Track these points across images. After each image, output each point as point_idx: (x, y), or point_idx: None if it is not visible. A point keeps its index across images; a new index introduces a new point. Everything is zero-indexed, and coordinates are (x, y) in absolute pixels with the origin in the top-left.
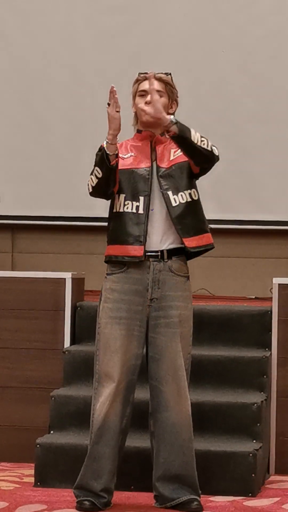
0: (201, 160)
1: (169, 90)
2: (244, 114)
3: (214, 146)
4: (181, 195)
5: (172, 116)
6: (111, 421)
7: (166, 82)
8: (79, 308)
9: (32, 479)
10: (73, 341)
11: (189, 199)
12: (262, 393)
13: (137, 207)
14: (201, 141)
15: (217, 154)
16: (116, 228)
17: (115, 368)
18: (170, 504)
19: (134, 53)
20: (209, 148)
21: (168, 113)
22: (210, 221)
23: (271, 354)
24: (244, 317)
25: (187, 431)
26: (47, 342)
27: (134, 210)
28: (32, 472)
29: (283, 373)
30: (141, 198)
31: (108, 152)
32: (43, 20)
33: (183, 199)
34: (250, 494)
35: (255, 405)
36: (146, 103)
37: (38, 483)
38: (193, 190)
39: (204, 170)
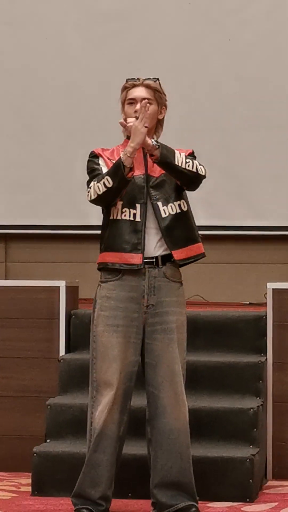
0: (185, 182)
1: (158, 96)
2: (237, 119)
3: (201, 165)
4: (171, 206)
5: (154, 141)
6: (109, 428)
7: (154, 89)
8: (73, 316)
9: (29, 488)
10: (68, 349)
11: (178, 210)
12: (258, 398)
13: (134, 214)
14: (186, 163)
15: (203, 174)
16: (112, 235)
17: (114, 376)
18: (167, 511)
19: (126, 59)
20: (194, 170)
21: (158, 119)
22: (204, 227)
23: (266, 359)
24: (239, 323)
25: (184, 437)
26: (42, 350)
27: (131, 218)
28: (29, 481)
29: (279, 377)
30: (138, 206)
31: (125, 164)
32: (35, 28)
33: (172, 211)
34: (247, 500)
35: (252, 410)
36: (135, 111)
37: (36, 492)
38: (182, 201)
39: (191, 188)
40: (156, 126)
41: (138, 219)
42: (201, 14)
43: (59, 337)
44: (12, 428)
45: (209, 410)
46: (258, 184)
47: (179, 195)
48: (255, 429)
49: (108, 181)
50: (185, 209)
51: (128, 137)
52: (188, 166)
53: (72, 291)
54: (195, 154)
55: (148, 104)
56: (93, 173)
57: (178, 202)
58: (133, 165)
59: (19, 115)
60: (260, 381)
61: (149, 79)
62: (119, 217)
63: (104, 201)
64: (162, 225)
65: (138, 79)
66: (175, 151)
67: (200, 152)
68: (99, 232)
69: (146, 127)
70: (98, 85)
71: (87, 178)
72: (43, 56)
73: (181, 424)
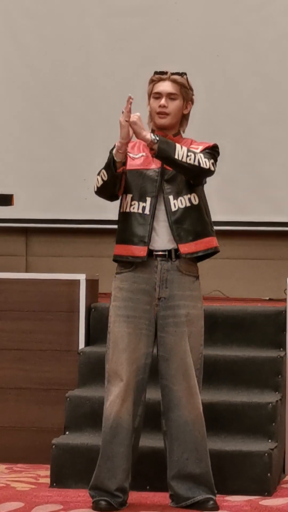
0: (187, 175)
1: (184, 91)
2: (256, 116)
3: (206, 159)
4: (181, 199)
5: (153, 136)
6: (123, 420)
7: (181, 84)
8: (93, 310)
9: (48, 480)
10: (87, 343)
11: (188, 204)
12: (277, 393)
13: (144, 207)
14: (187, 156)
15: (207, 167)
16: (123, 228)
17: (123, 366)
18: (185, 503)
19: (146, 55)
20: (195, 163)
21: (182, 114)
22: (224, 223)
23: (286, 354)
24: (258, 318)
25: (199, 429)
26: (62, 343)
27: (140, 211)
28: (48, 473)
29: None
30: (148, 199)
31: (115, 158)
32: (56, 24)
33: (182, 204)
34: (266, 494)
35: (270, 404)
36: (160, 106)
37: (54, 484)
38: (193, 194)
39: (195, 182)
40: (181, 120)
41: (147, 212)
42: (222, 11)
43: (79, 330)
44: (31, 420)
45: (228, 404)
46: (278, 179)
47: (190, 189)
48: (273, 424)
49: (104, 175)
50: (195, 202)
51: (153, 131)
52: (190, 159)
53: (92, 284)
54: (217, 149)
55: (131, 100)
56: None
57: (189, 195)
58: (125, 160)
59: (41, 109)
60: (279, 376)
61: (176, 73)
62: (128, 210)
63: (103, 194)
64: (172, 218)
65: (165, 72)
66: (177, 145)
67: (221, 147)
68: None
69: (126, 121)
70: (119, 80)
71: None
72: (65, 51)
73: (195, 416)
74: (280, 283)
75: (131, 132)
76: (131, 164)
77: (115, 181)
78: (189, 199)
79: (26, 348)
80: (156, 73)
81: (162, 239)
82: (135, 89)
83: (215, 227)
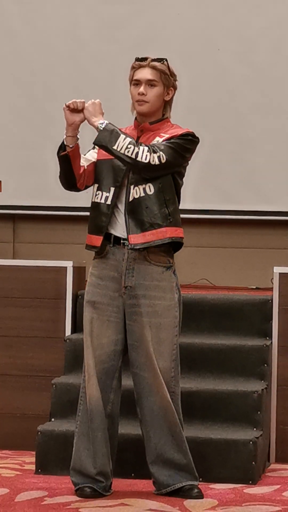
0: (128, 167)
1: (164, 78)
2: (246, 105)
3: (148, 153)
4: (136, 189)
5: (100, 123)
6: (94, 405)
7: (160, 71)
8: (80, 297)
9: (33, 467)
10: (74, 330)
11: (142, 194)
12: (262, 381)
13: (107, 197)
14: (126, 148)
15: (145, 161)
16: (89, 217)
17: (88, 350)
18: (165, 490)
19: (135, 44)
20: (132, 156)
21: (164, 100)
22: (212, 211)
23: (272, 342)
24: (245, 306)
25: (171, 416)
26: (48, 330)
27: (103, 201)
28: (33, 459)
29: (283, 361)
30: (112, 189)
31: (66, 143)
32: (46, 11)
33: (136, 194)
34: (250, 482)
35: (256, 393)
36: (138, 94)
37: (39, 470)
38: (148, 184)
39: (142, 175)
40: (164, 107)
41: (108, 202)
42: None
43: (65, 317)
44: (16, 406)
45: (213, 392)
46: (266, 169)
47: (145, 179)
48: (259, 412)
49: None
50: (150, 192)
51: (136, 118)
52: (128, 152)
53: (79, 272)
54: (190, 137)
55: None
56: None
57: (144, 185)
58: (74, 145)
59: (30, 97)
60: (265, 365)
61: (157, 59)
62: (93, 200)
63: (62, 183)
64: (127, 209)
65: (146, 59)
66: (121, 136)
67: (209, 137)
68: None
69: (68, 106)
70: (108, 69)
71: None
72: (55, 39)
73: (166, 403)
74: (266, 272)
75: (78, 117)
76: (103, 154)
77: (62, 166)
78: (144, 189)
79: (13, 335)
80: (136, 59)
81: (125, 228)
82: (123, 77)
83: (203, 216)
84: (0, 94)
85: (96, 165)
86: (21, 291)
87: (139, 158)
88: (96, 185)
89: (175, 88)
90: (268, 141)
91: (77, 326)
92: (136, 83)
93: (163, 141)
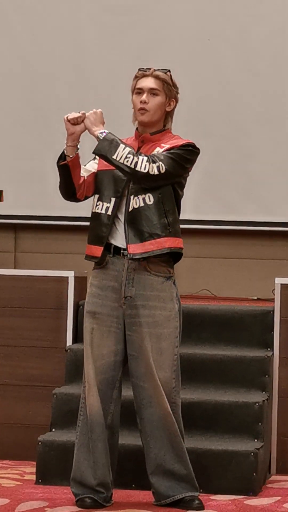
0: (127, 177)
1: (167, 88)
2: (248, 114)
3: (147, 163)
4: (136, 199)
5: (100, 133)
6: (94, 416)
7: (163, 81)
8: (81, 307)
9: (33, 477)
10: (75, 340)
11: (142, 204)
12: (264, 392)
13: (107, 208)
14: (126, 158)
15: (144, 171)
16: (90, 227)
17: (88, 361)
18: (165, 501)
19: (137, 51)
20: (131, 166)
21: (165, 111)
22: (213, 222)
23: (273, 354)
24: (246, 317)
25: (171, 426)
26: (50, 340)
27: (103, 211)
28: (33, 469)
29: (285, 373)
30: (113, 200)
31: (67, 153)
32: (48, 19)
33: (136, 204)
34: (251, 493)
35: (257, 404)
36: (140, 102)
37: (40, 481)
38: (148, 194)
39: (143, 185)
40: (166, 118)
41: (109, 212)
42: (215, 8)
43: (67, 327)
44: (17, 416)
45: (214, 403)
46: (268, 179)
47: (145, 189)
48: (260, 423)
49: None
50: (150, 202)
51: (137, 129)
52: (127, 161)
53: (80, 281)
54: (190, 148)
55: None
56: None
57: (143, 195)
58: (74, 155)
59: (31, 105)
60: (266, 376)
61: (160, 70)
62: (94, 210)
63: (61, 194)
64: (127, 219)
65: (149, 69)
66: (121, 146)
67: (211, 147)
68: None
69: (70, 121)
70: (110, 78)
71: None
72: (57, 47)
73: (166, 414)
74: (268, 283)
75: (79, 128)
76: (104, 165)
77: (61, 176)
78: (143, 199)
79: (13, 345)
80: (140, 69)
81: (124, 239)
82: (126, 86)
83: (205, 226)
84: (2, 103)
85: (96, 175)
86: (22, 300)
87: (138, 168)
88: (96, 196)
89: (176, 100)
90: (270, 151)
91: (78, 336)
92: (139, 91)
93: (164, 151)
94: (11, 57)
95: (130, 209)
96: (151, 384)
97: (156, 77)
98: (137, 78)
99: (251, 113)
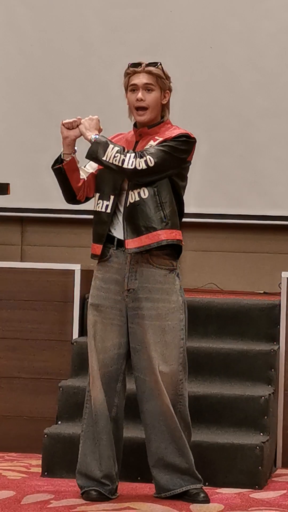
0: (117, 175)
1: (161, 82)
2: (254, 109)
3: (135, 159)
4: (131, 194)
5: (93, 137)
6: (99, 408)
7: (156, 75)
8: (87, 300)
9: (39, 469)
10: (81, 333)
11: (137, 198)
12: (269, 386)
13: (107, 206)
14: (114, 157)
15: (131, 168)
16: (92, 226)
17: (92, 354)
18: (165, 494)
19: (144, 47)
20: (118, 164)
21: (161, 104)
22: (220, 216)
23: (279, 347)
24: (252, 311)
25: (171, 420)
26: (56, 333)
27: (103, 209)
28: (39, 462)
29: None
30: (111, 197)
31: (63, 157)
32: (54, 14)
33: (132, 199)
34: (256, 487)
35: (263, 398)
36: (137, 99)
37: (45, 473)
38: (142, 188)
39: (132, 181)
40: (163, 110)
41: (108, 210)
42: (221, 3)
43: (73, 320)
44: (23, 409)
45: (220, 397)
46: (275, 173)
47: (139, 183)
48: (265, 417)
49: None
50: (145, 196)
51: (135, 125)
52: (115, 160)
53: (87, 275)
54: (184, 138)
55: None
56: None
57: (138, 190)
58: (69, 159)
59: (38, 99)
60: (272, 370)
61: (151, 64)
62: (95, 209)
63: (64, 198)
64: (124, 214)
65: (140, 64)
66: (110, 146)
67: (217, 141)
68: None
69: (63, 124)
70: (117, 73)
71: None
72: (63, 42)
73: (167, 407)
74: (274, 277)
75: (73, 132)
76: None
77: (63, 181)
78: (139, 193)
79: (20, 338)
80: (130, 65)
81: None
82: None
83: (211, 220)
84: (9, 98)
85: (96, 175)
86: (28, 293)
87: (125, 165)
88: (97, 195)
89: (170, 90)
90: (276, 145)
91: (84, 329)
92: (133, 88)
93: (157, 144)
94: (17, 53)
95: (127, 204)
96: (152, 377)
97: (149, 73)
98: (128, 75)
99: (257, 107)
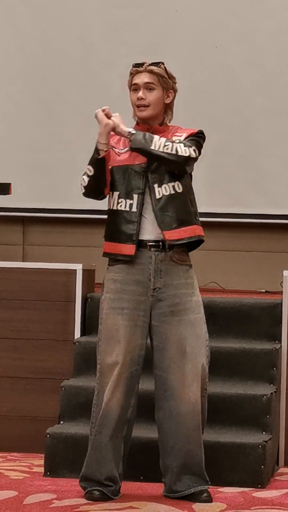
0: (167, 165)
1: (163, 81)
2: (255, 108)
3: (186, 147)
4: (165, 187)
5: (130, 129)
6: (112, 411)
7: (158, 75)
8: (89, 300)
9: (41, 469)
10: (83, 332)
11: (172, 192)
12: (271, 385)
13: (131, 205)
14: (165, 146)
15: (186, 155)
16: (111, 225)
17: (119, 357)
18: (173, 495)
19: (145, 47)
20: (173, 152)
21: (164, 103)
22: (221, 215)
23: (281, 346)
24: (254, 310)
25: (192, 420)
26: (58, 333)
27: (127, 208)
28: (41, 462)
29: None
30: (135, 196)
31: (99, 149)
32: (55, 14)
33: (166, 191)
34: (259, 486)
35: (265, 397)
36: (138, 99)
37: (48, 473)
38: (177, 182)
39: (178, 170)
40: (165, 110)
41: (134, 209)
42: (221, 3)
43: (75, 320)
44: (26, 409)
45: (222, 396)
46: (276, 172)
47: (174, 177)
48: (268, 416)
49: (90, 170)
50: (179, 190)
51: (138, 123)
52: (167, 149)
53: (88, 274)
54: (203, 135)
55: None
56: None
57: (173, 183)
58: (107, 151)
59: (39, 99)
60: (274, 368)
61: (153, 64)
62: (115, 208)
63: (90, 191)
64: (156, 206)
65: (142, 64)
66: (155, 136)
67: (218, 140)
68: None
69: (107, 112)
70: (117, 72)
71: None
72: (64, 41)
73: (189, 406)
74: (276, 276)
75: (112, 121)
76: (117, 160)
77: (101, 173)
78: (173, 187)
79: (22, 337)
80: (133, 65)
81: (153, 230)
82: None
83: (212, 219)
84: (9, 96)
85: (111, 172)
86: (30, 293)
87: (180, 153)
88: (116, 193)
89: (175, 90)
90: (276, 144)
91: (86, 329)
92: (135, 88)
93: (185, 138)
94: (18, 53)
95: (159, 196)
96: (174, 376)
97: (151, 72)
98: (132, 74)
99: (258, 107)
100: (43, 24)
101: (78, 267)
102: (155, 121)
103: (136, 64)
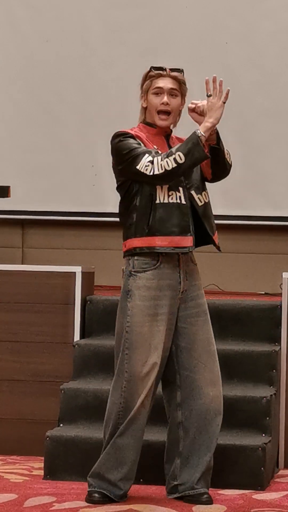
0: (222, 173)
1: (182, 89)
2: (255, 109)
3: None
4: (204, 194)
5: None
6: (143, 415)
7: (181, 81)
8: (89, 302)
9: (41, 472)
10: (82, 335)
11: (207, 200)
12: (271, 387)
13: (180, 197)
14: (227, 154)
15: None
16: (161, 219)
17: (155, 365)
18: (174, 495)
19: (144, 47)
20: (230, 162)
21: (179, 111)
22: (221, 217)
23: (280, 348)
24: (254, 312)
25: (219, 418)
26: (57, 335)
27: (178, 201)
28: (41, 465)
29: None
30: (181, 189)
31: (202, 140)
32: (55, 15)
33: (206, 199)
34: (259, 488)
35: (265, 399)
36: (163, 103)
37: (48, 476)
38: (207, 191)
39: (218, 179)
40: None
41: (183, 202)
42: (221, 3)
43: (74, 322)
44: (25, 412)
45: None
46: (276, 174)
47: (204, 186)
48: (267, 418)
49: (180, 158)
50: (207, 199)
51: (149, 124)
52: (228, 157)
53: (88, 277)
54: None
55: (221, 80)
56: (137, 149)
57: (205, 192)
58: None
59: (39, 101)
60: (274, 370)
61: (174, 70)
62: (166, 201)
63: (170, 177)
64: (200, 212)
65: (164, 69)
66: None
67: None
68: (116, 219)
69: (224, 102)
70: (118, 72)
71: (124, 157)
72: (64, 42)
73: (218, 404)
74: (275, 278)
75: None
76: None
77: (197, 164)
78: (207, 195)
79: (21, 340)
80: (154, 68)
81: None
82: (134, 81)
83: None
84: (9, 98)
85: None
86: (29, 296)
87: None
88: (165, 186)
89: (185, 99)
90: (276, 145)
91: (85, 331)
92: (158, 92)
93: None
94: (18, 54)
95: (200, 203)
96: (202, 375)
97: (174, 78)
98: (152, 77)
99: (258, 107)
100: (43, 24)
101: (78, 269)
102: (169, 128)
103: (155, 67)
